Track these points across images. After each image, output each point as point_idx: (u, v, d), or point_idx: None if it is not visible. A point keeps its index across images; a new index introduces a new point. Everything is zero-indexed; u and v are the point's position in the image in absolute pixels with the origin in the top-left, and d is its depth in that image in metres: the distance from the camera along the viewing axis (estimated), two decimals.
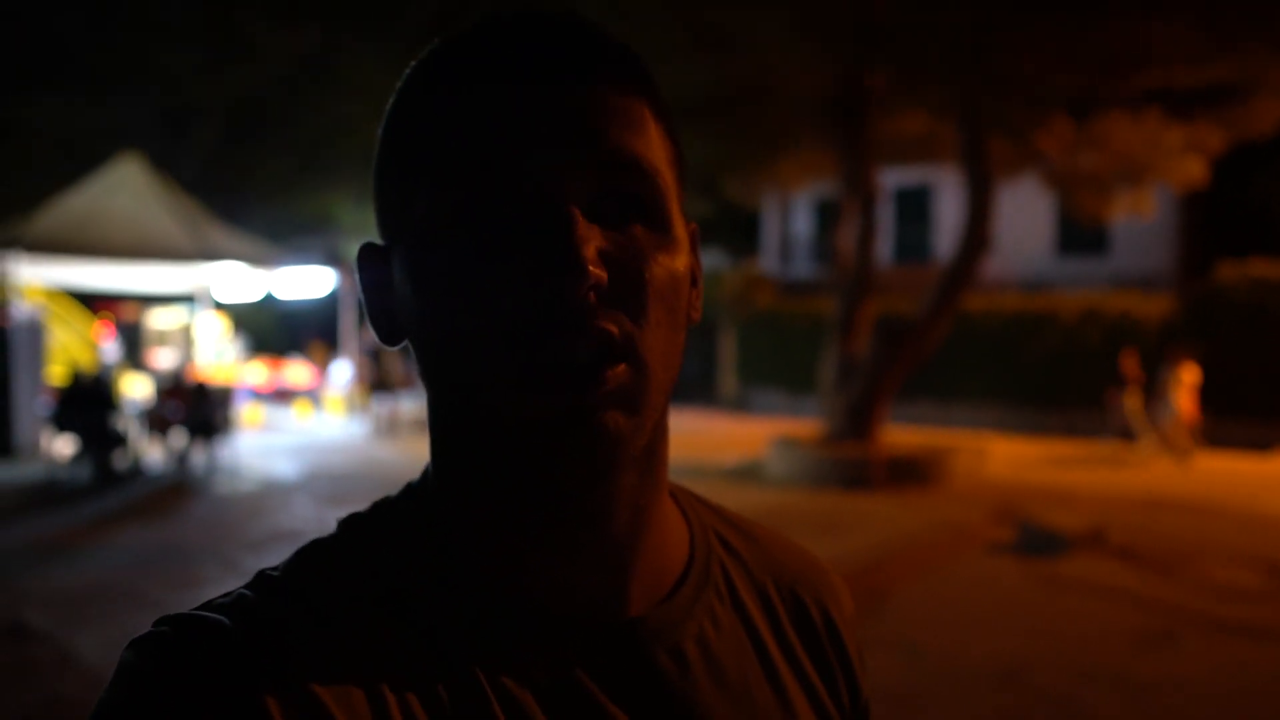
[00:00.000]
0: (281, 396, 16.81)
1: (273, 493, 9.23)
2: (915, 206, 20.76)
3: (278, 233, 15.99)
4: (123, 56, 14.17)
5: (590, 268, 0.47)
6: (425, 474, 0.59)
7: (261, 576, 0.53)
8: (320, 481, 9.86)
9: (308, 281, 13.67)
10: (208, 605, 0.50)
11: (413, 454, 11.99)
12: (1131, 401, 13.24)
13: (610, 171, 0.50)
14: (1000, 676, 4.56)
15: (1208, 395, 13.54)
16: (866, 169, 10.82)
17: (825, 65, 9.72)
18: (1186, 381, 12.58)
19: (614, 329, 0.49)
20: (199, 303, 14.01)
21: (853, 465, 10.08)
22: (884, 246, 18.82)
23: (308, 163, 15.65)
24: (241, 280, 12.48)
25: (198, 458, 10.55)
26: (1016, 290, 17.42)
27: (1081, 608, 5.78)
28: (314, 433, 14.12)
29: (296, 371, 17.64)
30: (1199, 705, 4.29)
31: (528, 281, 0.48)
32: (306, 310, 20.03)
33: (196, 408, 10.50)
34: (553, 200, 0.49)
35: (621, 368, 0.49)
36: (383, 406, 14.78)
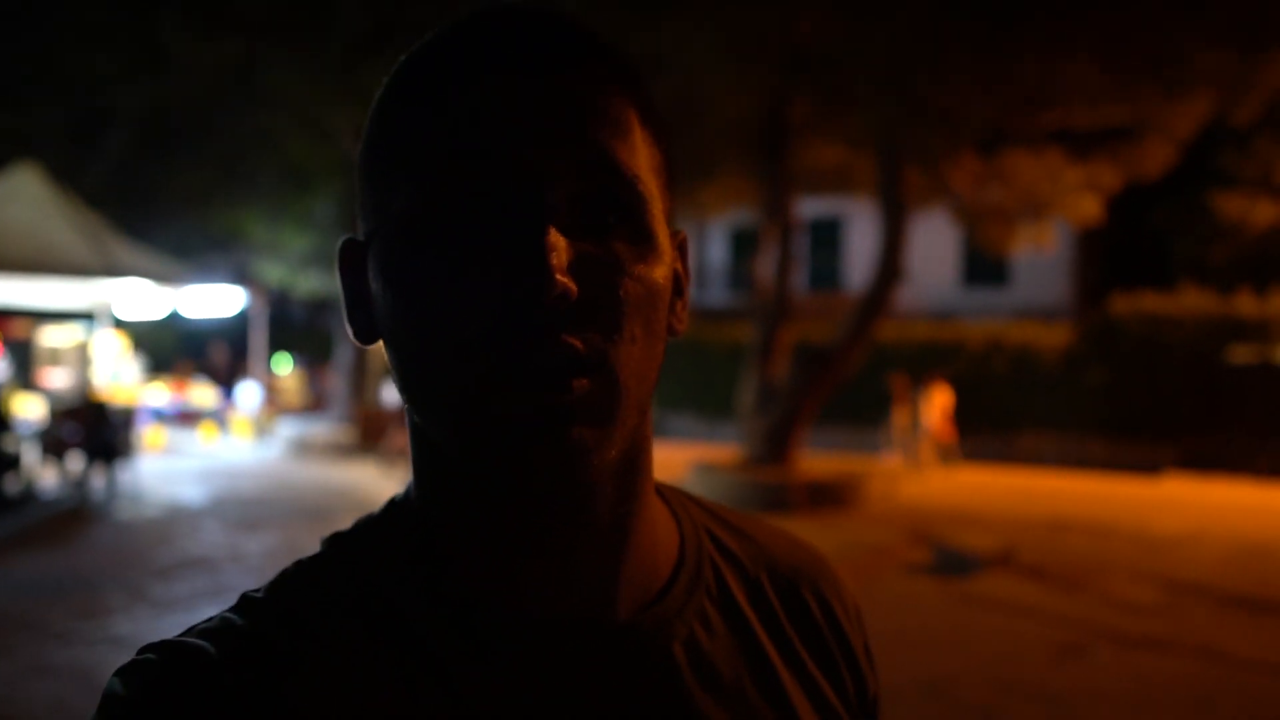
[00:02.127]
0: (186, 419, 16.19)
1: (180, 518, 8.87)
2: (828, 236, 21.31)
3: (187, 249, 15.44)
4: (31, 60, 13.58)
5: (557, 276, 0.45)
6: (408, 488, 0.58)
7: (245, 599, 0.53)
8: (230, 506, 9.51)
9: (216, 300, 13.24)
10: (191, 630, 0.50)
11: (325, 477, 11.68)
12: (900, 418, 14.61)
13: (589, 173, 0.49)
14: (924, 691, 4.67)
15: (1103, 422, 14.24)
16: (786, 198, 11.08)
17: (751, 91, 9.94)
18: (938, 402, 14.14)
19: (579, 344, 0.47)
20: (98, 320, 13.43)
21: (772, 489, 10.22)
22: (799, 275, 19.23)
23: (222, 177, 15.19)
24: (146, 297, 12.02)
25: (97, 482, 10.07)
26: (926, 319, 18.00)
27: (997, 624, 5.97)
28: (220, 456, 13.63)
29: (201, 393, 17.02)
30: (1112, 712, 4.47)
31: (496, 286, 0.47)
32: (213, 330, 19.40)
33: (95, 430, 10.03)
34: (526, 204, 0.47)
35: (587, 381, 0.48)
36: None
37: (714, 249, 23.01)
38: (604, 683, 0.53)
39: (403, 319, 0.50)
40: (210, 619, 0.51)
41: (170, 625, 5.44)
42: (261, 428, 15.68)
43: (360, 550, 0.56)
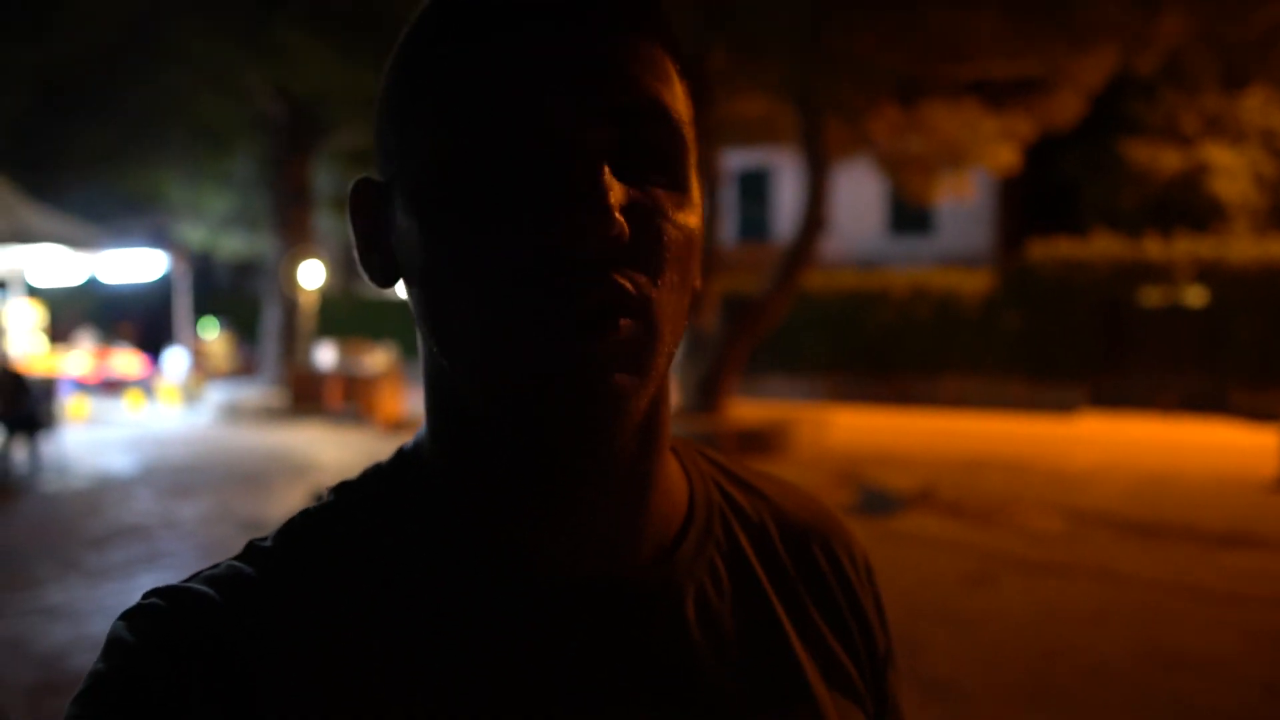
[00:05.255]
0: (110, 387, 15.82)
1: (109, 488, 8.76)
2: (756, 188, 21.50)
3: (101, 212, 14.95)
4: None
5: (615, 214, 0.45)
6: (418, 437, 0.57)
7: (251, 546, 0.52)
8: (161, 474, 9.42)
9: (135, 264, 12.92)
10: (197, 576, 0.50)
11: (258, 441, 11.59)
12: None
13: (634, 119, 0.48)
14: None
15: (1020, 363, 14.87)
16: (709, 150, 11.19)
17: None
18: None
19: (629, 285, 0.47)
20: (10, 288, 13.02)
21: (703, 437, 10.44)
22: (727, 226, 19.45)
23: (131, 137, 14.68)
24: (59, 263, 11.69)
25: (19, 455, 9.85)
26: (852, 268, 18.38)
27: (915, 558, 6.30)
28: (149, 424, 13.40)
29: (125, 360, 16.63)
30: (1016, 634, 4.81)
31: (547, 222, 0.46)
32: (132, 295, 18.88)
33: (14, 401, 9.79)
34: (581, 143, 0.47)
35: (633, 323, 0.47)
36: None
37: None
38: (615, 638, 0.53)
39: (440, 258, 0.49)
40: (216, 565, 0.51)
41: (106, 593, 5.45)
42: (190, 394, 15.42)
43: (369, 501, 0.55)
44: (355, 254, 0.56)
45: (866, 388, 16.46)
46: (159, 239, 14.34)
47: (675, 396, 11.83)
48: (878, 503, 7.77)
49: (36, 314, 15.00)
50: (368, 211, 0.55)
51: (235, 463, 9.91)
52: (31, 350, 13.38)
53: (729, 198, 19.42)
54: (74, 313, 19.64)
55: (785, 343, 15.97)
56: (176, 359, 15.81)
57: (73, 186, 15.01)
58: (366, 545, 0.52)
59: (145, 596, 0.48)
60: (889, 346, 16.33)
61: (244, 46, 12.80)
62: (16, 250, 10.74)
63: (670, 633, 0.54)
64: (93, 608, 5.19)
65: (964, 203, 15.44)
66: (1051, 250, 15.39)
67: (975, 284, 15.95)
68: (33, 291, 14.38)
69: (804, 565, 0.63)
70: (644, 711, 0.52)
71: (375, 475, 0.57)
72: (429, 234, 0.49)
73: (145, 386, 15.85)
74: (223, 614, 0.47)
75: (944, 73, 10.35)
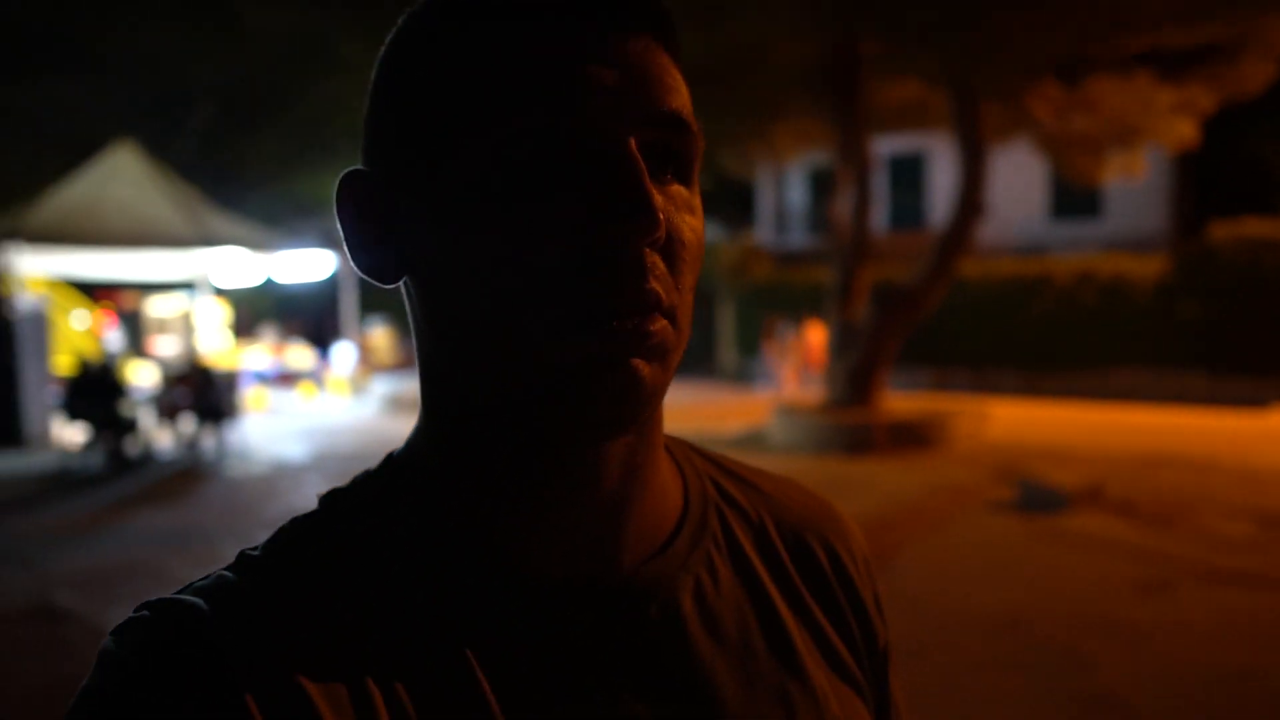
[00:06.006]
0: (285, 380, 16.91)
1: (284, 474, 9.37)
2: (909, 173, 20.81)
3: (275, 216, 16.01)
4: (115, 41, 14.14)
5: (660, 215, 0.46)
6: (409, 443, 0.57)
7: (242, 556, 0.52)
8: (330, 462, 9.99)
9: (307, 264, 13.73)
10: (188, 588, 0.49)
11: None
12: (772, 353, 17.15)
13: (659, 125, 0.48)
14: (1003, 625, 4.72)
15: (1200, 356, 13.77)
16: (860, 137, 10.89)
17: (816, 32, 9.76)
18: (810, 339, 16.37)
19: (661, 290, 0.47)
20: (198, 289, 14.08)
21: (855, 430, 10.23)
22: (879, 214, 18.88)
23: (304, 143, 15.63)
24: (240, 265, 12.55)
25: (207, 442, 10.67)
26: (1011, 255, 17.53)
27: (1081, 561, 5.94)
28: (319, 414, 14.24)
29: (299, 355, 17.73)
30: (1196, 649, 4.45)
31: (590, 222, 0.46)
32: (304, 293, 20.10)
33: (203, 393, 10.60)
34: (624, 145, 0.47)
35: (665, 323, 0.48)
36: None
37: (792, 191, 22.71)
38: (610, 637, 0.52)
39: (466, 256, 0.48)
40: (206, 577, 0.50)
41: None
42: (357, 386, 16.30)
43: (360, 507, 0.54)
44: (346, 249, 0.53)
45: (1028, 380, 15.68)
46: (328, 240, 15.19)
47: (824, 389, 11.65)
48: (1039, 499, 7.39)
49: (222, 312, 16.18)
50: (363, 206, 0.53)
51: None
52: (217, 346, 14.44)
53: (879, 184, 18.87)
54: (253, 311, 21.09)
55: (941, 333, 15.40)
56: (344, 353, 16.73)
57: (251, 192, 16.11)
58: (357, 550, 0.52)
59: (136, 610, 0.48)
60: (1052, 337, 15.47)
61: None
62: (203, 253, 11.62)
63: (667, 629, 0.54)
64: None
65: (1134, 183, 14.41)
66: (1237, 231, 14.16)
67: (1147, 270, 14.91)
68: (218, 291, 15.51)
69: (802, 559, 0.63)
70: (643, 708, 0.51)
71: (365, 481, 0.56)
72: (451, 229, 0.48)
73: (316, 379, 16.86)
74: (211, 624, 0.46)
75: (1113, 45, 9.68)
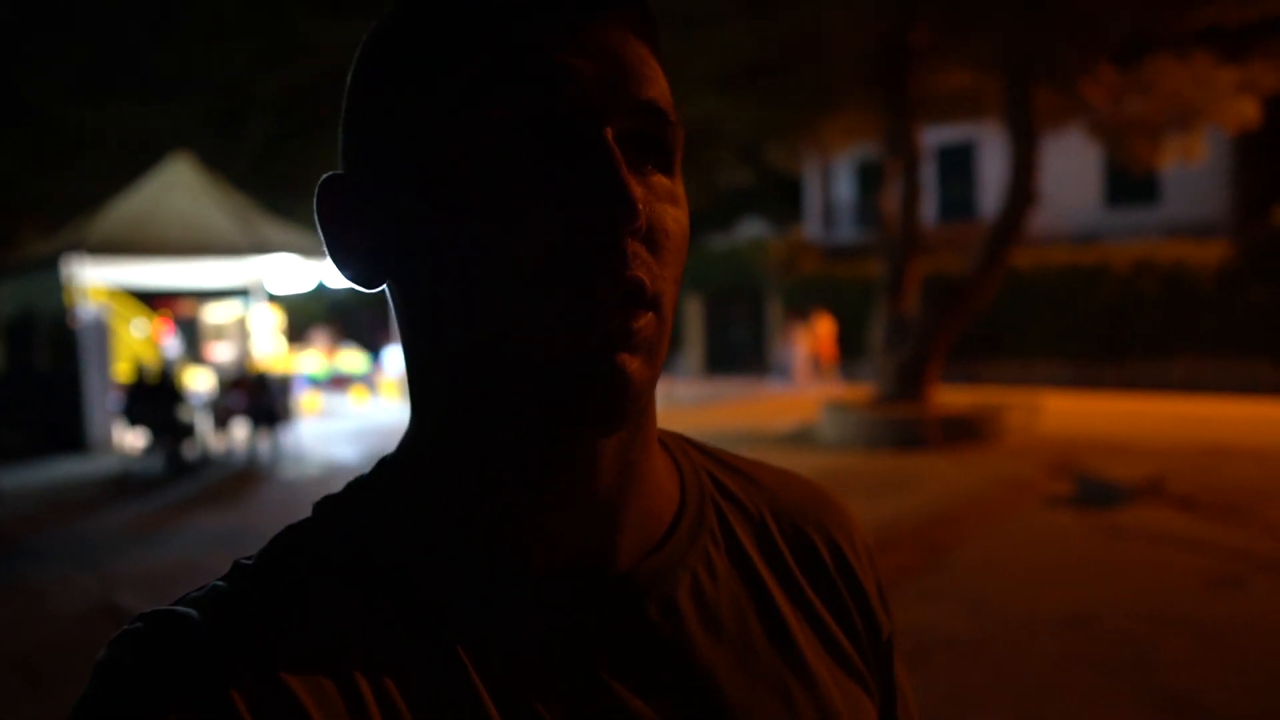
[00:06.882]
0: (337, 384, 17.16)
1: (339, 476, 9.49)
2: (958, 164, 20.50)
3: None
4: (178, 59, 14.51)
5: (641, 206, 0.45)
6: (401, 446, 0.57)
7: (236, 566, 0.52)
8: None
9: None
10: (182, 599, 0.49)
11: None
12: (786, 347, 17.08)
13: (640, 112, 0.48)
14: (1065, 622, 4.60)
15: (1268, 344, 13.32)
16: (909, 128, 10.74)
17: (868, 21, 9.65)
18: (821, 332, 16.61)
19: (645, 278, 0.47)
20: (253, 296, 14.34)
21: (906, 425, 10.08)
22: (928, 206, 18.61)
23: None
24: (293, 272, 12.76)
25: (263, 446, 10.86)
26: (1066, 244, 17.17)
27: (1144, 555, 5.78)
28: (371, 417, 14.43)
29: (351, 358, 17.99)
30: (1272, 646, 4.30)
31: (571, 214, 0.46)
32: (355, 300, 20.39)
33: (258, 398, 10.80)
34: (602, 136, 0.46)
35: (650, 316, 0.48)
36: None
37: (840, 185, 22.50)
38: (606, 635, 0.52)
39: (444, 252, 0.48)
40: (200, 587, 0.50)
41: None
42: (406, 389, 16.48)
43: (354, 512, 0.54)
44: (328, 255, 0.53)
45: (1085, 371, 15.34)
46: None
47: (876, 385, 11.49)
48: (1097, 494, 7.21)
49: (275, 318, 16.48)
50: (343, 211, 0.52)
51: None
52: (271, 351, 14.70)
53: (928, 175, 18.60)
54: (306, 316, 21.44)
55: (994, 326, 15.13)
56: (395, 357, 16.92)
57: (304, 199, 16.39)
58: (352, 556, 0.51)
59: (130, 622, 0.47)
60: (1110, 327, 15.12)
61: None
62: (257, 260, 11.83)
63: (665, 625, 0.53)
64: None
65: (1193, 167, 14.00)
66: None
67: (1209, 256, 14.48)
68: (271, 297, 15.80)
69: (802, 551, 0.62)
70: (642, 705, 0.51)
71: (359, 486, 0.56)
72: (436, 226, 0.48)
73: (369, 382, 17.09)
74: (203, 634, 0.46)
75: (1175, 21, 9.40)
